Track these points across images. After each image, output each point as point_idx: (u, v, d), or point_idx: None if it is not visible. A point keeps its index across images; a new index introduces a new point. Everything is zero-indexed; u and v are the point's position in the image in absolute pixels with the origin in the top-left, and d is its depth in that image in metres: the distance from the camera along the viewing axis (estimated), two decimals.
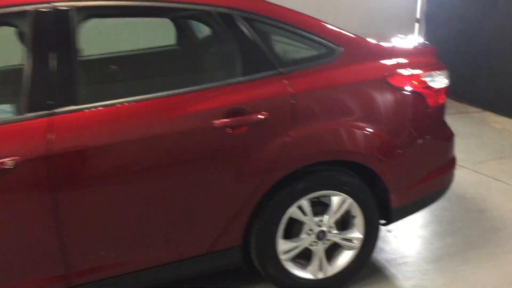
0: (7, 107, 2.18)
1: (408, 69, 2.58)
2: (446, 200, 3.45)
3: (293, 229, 2.57)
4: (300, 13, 2.51)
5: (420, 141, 2.65)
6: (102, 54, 2.40)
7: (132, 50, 2.50)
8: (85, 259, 2.17)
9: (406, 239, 3.21)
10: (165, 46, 2.54)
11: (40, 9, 2.01)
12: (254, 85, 2.31)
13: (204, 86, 2.26)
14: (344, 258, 2.66)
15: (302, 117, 2.36)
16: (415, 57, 2.69)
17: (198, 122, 2.20)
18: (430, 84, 2.63)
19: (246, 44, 2.33)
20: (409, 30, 6.94)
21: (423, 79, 2.61)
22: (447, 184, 2.86)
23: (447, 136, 2.81)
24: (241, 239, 2.43)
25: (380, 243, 3.08)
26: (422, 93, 2.59)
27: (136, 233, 2.23)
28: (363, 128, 2.46)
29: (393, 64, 2.57)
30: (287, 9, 2.47)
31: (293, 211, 2.47)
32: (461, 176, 3.95)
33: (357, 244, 2.64)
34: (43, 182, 1.98)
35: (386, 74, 2.52)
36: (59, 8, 2.04)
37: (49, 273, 2.12)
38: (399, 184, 2.63)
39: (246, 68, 2.33)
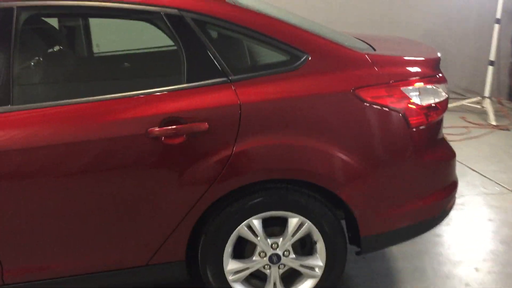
0: None
1: (387, 81, 2.26)
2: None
3: (246, 249, 2.39)
4: (263, 15, 2.29)
5: (395, 165, 2.31)
6: (40, 55, 2.37)
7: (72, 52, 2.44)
8: (15, 260, 2.17)
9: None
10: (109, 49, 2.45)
11: None
12: (197, 93, 2.15)
13: (143, 91, 2.14)
14: (305, 286, 2.42)
15: (249, 129, 2.15)
16: (401, 67, 2.35)
17: (131, 129, 2.09)
18: (416, 99, 2.28)
19: (194, 48, 2.17)
20: (487, 32, 6.27)
21: (407, 93, 2.27)
22: (437, 215, 2.48)
23: (439, 160, 2.43)
24: (184, 254, 2.29)
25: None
26: (402, 110, 2.25)
27: (65, 238, 2.19)
28: (320, 146, 2.20)
29: (368, 75, 2.26)
30: (248, 11, 2.27)
31: (241, 230, 2.29)
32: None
33: (318, 272, 2.39)
34: None
35: (356, 86, 2.22)
36: None
37: None
38: (368, 211, 2.33)
39: (192, 74, 2.17)
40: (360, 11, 6.82)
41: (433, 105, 2.33)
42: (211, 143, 2.14)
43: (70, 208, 2.14)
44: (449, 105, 6.37)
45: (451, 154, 2.52)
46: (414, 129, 2.28)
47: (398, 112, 2.24)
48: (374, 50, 2.50)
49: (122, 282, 2.33)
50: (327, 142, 2.20)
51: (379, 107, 2.23)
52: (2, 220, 2.10)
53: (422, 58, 2.46)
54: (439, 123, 2.46)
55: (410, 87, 2.28)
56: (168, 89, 2.16)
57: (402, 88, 2.26)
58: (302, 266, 2.39)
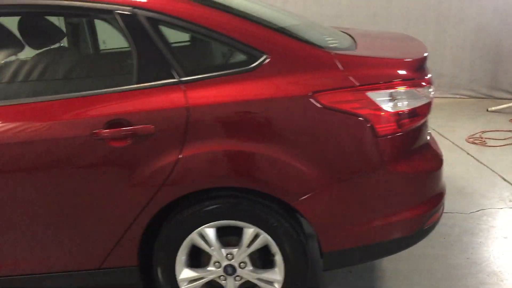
0: None
1: (353, 85, 2.06)
2: None
3: (203, 258, 2.29)
4: (220, 12, 2.16)
5: (360, 177, 2.10)
6: None
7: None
8: None
9: None
10: (57, 47, 2.40)
11: None
12: (146, 94, 2.07)
13: (92, 92, 2.09)
14: None
15: (197, 134, 2.04)
16: (372, 70, 2.12)
17: (77, 130, 2.05)
18: (385, 105, 2.06)
19: (145, 48, 2.09)
20: None
21: (374, 98, 2.05)
22: (413, 232, 2.24)
23: (416, 172, 2.19)
24: (136, 259, 2.23)
25: None
26: (368, 117, 2.04)
27: (14, 239, 2.19)
28: (274, 154, 2.04)
29: (332, 78, 2.07)
30: (204, 7, 2.14)
31: (194, 238, 2.19)
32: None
33: (277, 287, 2.24)
34: None
35: (316, 90, 2.04)
36: None
37: None
38: (330, 225, 2.15)
39: (142, 74, 2.09)
40: (407, 2, 6.45)
41: (407, 111, 2.10)
42: (158, 147, 2.05)
43: (18, 209, 2.13)
44: (500, 106, 5.86)
45: (434, 164, 2.28)
46: (383, 138, 2.07)
47: (363, 119, 2.04)
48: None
49: (77, 284, 2.31)
50: (281, 149, 2.05)
51: (340, 114, 2.04)
52: None
53: (401, 59, 2.23)
54: (420, 129, 2.22)
55: (380, 92, 2.07)
56: (117, 89, 2.09)
57: (368, 93, 2.05)
58: (259, 279, 2.25)
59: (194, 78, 2.07)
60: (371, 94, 2.05)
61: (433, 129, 5.27)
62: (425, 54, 2.33)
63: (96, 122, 2.04)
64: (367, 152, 2.08)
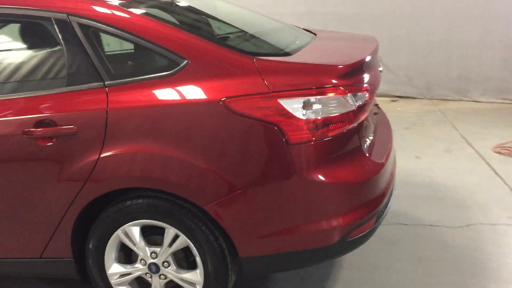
0: None
1: (266, 91, 2.04)
2: None
3: (132, 255, 2.38)
4: (148, 18, 2.23)
5: (272, 184, 2.08)
6: None
7: None
8: None
9: None
10: None
11: None
12: (72, 97, 2.19)
13: (26, 93, 2.26)
14: None
15: (115, 136, 2.13)
16: (292, 76, 2.09)
17: (11, 129, 2.22)
18: (297, 113, 2.03)
19: (75, 52, 2.21)
20: None
21: (286, 106, 2.02)
22: (332, 243, 2.15)
23: (333, 182, 2.10)
24: (70, 252, 2.36)
25: None
26: (278, 124, 2.02)
27: None
28: (186, 157, 2.08)
29: (247, 84, 2.06)
30: (133, 14, 2.22)
31: (119, 235, 2.29)
32: None
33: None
34: None
35: (228, 95, 2.05)
36: None
37: None
38: (243, 231, 2.14)
39: (72, 77, 2.21)
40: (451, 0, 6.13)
41: (323, 119, 2.05)
42: (80, 147, 2.16)
43: None
44: None
45: (361, 174, 2.19)
46: (295, 146, 2.04)
47: (274, 126, 2.02)
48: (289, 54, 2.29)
49: (24, 270, 2.50)
50: (194, 154, 2.08)
51: (252, 120, 2.03)
52: None
53: (325, 65, 2.17)
54: (346, 137, 2.15)
55: (293, 99, 2.03)
56: (49, 92, 2.23)
57: (281, 100, 2.03)
58: (182, 280, 2.30)
59: (117, 82, 2.16)
60: (283, 101, 2.03)
61: (462, 136, 4.99)
62: (367, 59, 2.25)
63: (27, 121, 2.19)
64: (279, 159, 2.05)
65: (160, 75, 2.14)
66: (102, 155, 2.14)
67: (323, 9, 6.58)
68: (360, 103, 2.17)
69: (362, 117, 2.22)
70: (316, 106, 2.05)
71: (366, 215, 2.21)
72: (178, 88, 2.11)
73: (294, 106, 2.03)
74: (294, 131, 2.03)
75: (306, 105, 2.04)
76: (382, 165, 2.32)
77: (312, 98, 2.05)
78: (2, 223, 2.37)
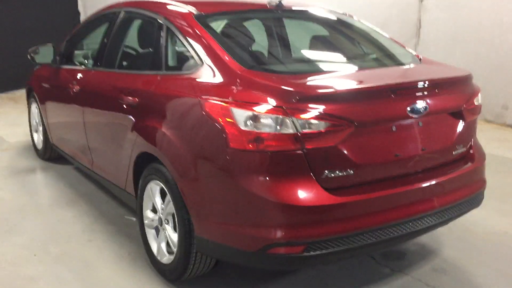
0: None
1: (227, 98, 2.37)
2: None
3: None
4: None
5: (213, 178, 2.40)
6: None
7: None
8: None
9: None
10: None
11: None
12: None
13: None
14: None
15: None
16: (252, 90, 2.35)
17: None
18: (241, 123, 2.27)
19: None
20: None
21: (234, 114, 2.29)
22: (254, 250, 2.29)
23: (256, 193, 2.25)
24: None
25: None
26: (225, 128, 2.30)
27: None
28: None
29: (220, 88, 2.47)
30: None
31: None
32: None
33: (174, 249, 2.76)
34: None
35: (204, 95, 2.47)
36: None
37: None
38: (198, 210, 2.50)
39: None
40: None
41: (258, 133, 2.24)
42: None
43: None
44: None
45: (291, 198, 2.23)
46: (232, 150, 2.29)
47: (222, 129, 2.32)
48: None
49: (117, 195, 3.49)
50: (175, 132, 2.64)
51: (212, 120, 2.38)
52: None
53: (280, 87, 2.30)
54: (286, 157, 2.25)
55: (240, 110, 2.28)
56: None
57: (232, 109, 2.30)
58: (170, 238, 2.81)
59: None
60: (234, 110, 2.30)
61: None
62: (311, 84, 2.37)
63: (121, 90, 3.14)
64: (221, 158, 2.35)
65: None
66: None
67: None
68: (310, 130, 2.20)
69: (318, 144, 2.24)
70: (256, 121, 2.24)
71: (289, 238, 2.25)
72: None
73: (240, 116, 2.28)
74: (233, 137, 2.29)
75: (249, 118, 2.25)
76: (334, 200, 2.25)
77: (254, 113, 2.24)
78: (106, 154, 3.39)
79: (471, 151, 2.84)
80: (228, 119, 2.31)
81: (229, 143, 2.30)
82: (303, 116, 2.21)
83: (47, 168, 4.86)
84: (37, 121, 5.01)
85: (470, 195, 2.76)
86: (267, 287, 2.82)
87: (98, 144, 3.62)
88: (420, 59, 3.07)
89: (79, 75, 3.84)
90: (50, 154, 4.89)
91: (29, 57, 4.25)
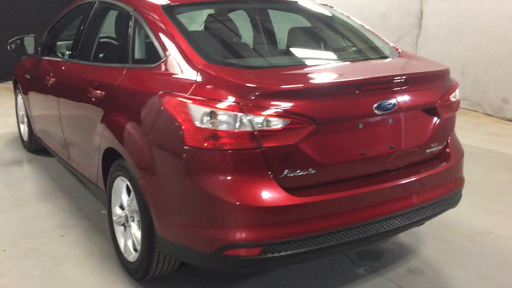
0: None
1: (186, 93, 2.27)
2: None
3: None
4: None
5: (170, 177, 2.32)
6: None
7: None
8: None
9: None
10: None
11: None
12: None
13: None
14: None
15: None
16: (210, 86, 2.25)
17: None
18: (196, 119, 2.17)
19: None
20: None
21: (191, 110, 2.20)
22: (209, 252, 2.21)
23: (210, 193, 2.17)
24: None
25: None
26: (181, 124, 2.21)
27: None
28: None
29: (180, 83, 2.38)
30: None
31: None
32: None
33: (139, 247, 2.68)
34: None
35: (163, 90, 2.38)
36: None
37: None
38: (158, 209, 2.41)
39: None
40: None
41: (214, 131, 2.15)
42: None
43: None
44: None
45: (246, 198, 2.14)
46: (188, 148, 2.20)
47: (179, 126, 2.23)
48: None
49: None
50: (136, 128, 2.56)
51: (170, 115, 2.29)
52: None
53: (237, 82, 2.20)
54: (242, 156, 2.16)
55: (197, 106, 2.19)
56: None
57: (189, 104, 2.22)
58: (134, 235, 2.73)
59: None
60: (191, 106, 2.21)
61: None
62: (284, 84, 2.24)
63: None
64: (178, 156, 2.26)
65: None
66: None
67: None
68: (268, 128, 2.11)
69: (276, 143, 2.14)
70: (212, 118, 2.15)
71: (245, 239, 2.17)
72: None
73: (197, 113, 2.19)
74: (190, 135, 2.20)
75: (205, 114, 2.16)
76: (293, 200, 2.16)
77: (211, 109, 2.15)
78: (80, 148, 3.33)
79: (447, 149, 2.73)
80: (185, 116, 2.22)
81: (186, 140, 2.21)
82: (261, 113, 2.11)
83: (32, 160, 4.82)
84: (23, 112, 4.96)
85: (445, 194, 2.66)
86: (236, 287, 2.75)
87: (73, 138, 3.56)
88: (398, 52, 2.96)
89: (56, 67, 3.78)
90: (35, 146, 4.84)
91: (9, 48, 4.18)
